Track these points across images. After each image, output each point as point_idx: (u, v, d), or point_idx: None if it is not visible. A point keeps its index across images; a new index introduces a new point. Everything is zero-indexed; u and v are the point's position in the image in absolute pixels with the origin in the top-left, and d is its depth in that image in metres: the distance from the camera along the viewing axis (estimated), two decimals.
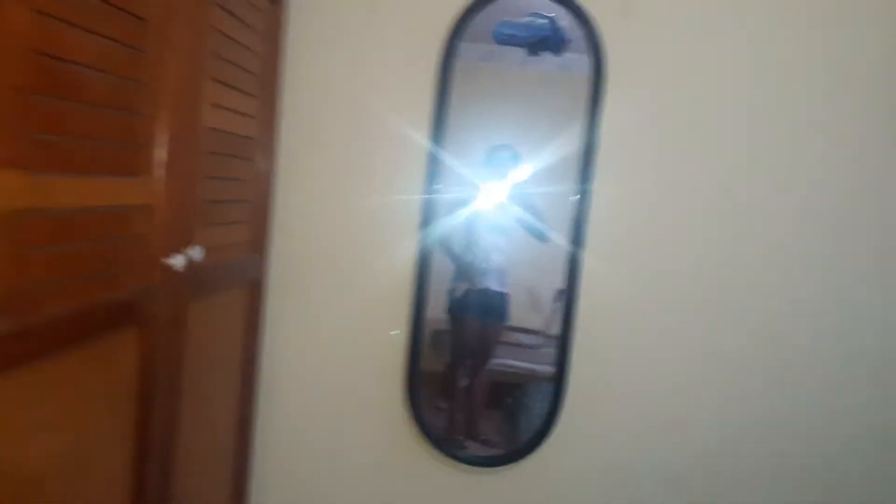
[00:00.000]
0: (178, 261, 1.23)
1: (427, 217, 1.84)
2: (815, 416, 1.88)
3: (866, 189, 1.82)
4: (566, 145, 1.82)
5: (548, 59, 1.87)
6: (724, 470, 1.91)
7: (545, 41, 1.85)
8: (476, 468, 1.94)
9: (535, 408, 1.95)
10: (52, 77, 0.92)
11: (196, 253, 1.30)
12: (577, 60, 1.84)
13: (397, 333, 1.90)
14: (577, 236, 1.83)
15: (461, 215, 1.90)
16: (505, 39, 1.86)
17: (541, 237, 1.88)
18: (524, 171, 1.87)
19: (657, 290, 1.87)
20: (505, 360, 2.02)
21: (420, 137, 1.84)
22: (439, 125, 1.82)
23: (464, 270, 1.95)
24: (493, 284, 1.96)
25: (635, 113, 1.82)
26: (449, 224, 1.88)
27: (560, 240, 1.85)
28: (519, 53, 1.88)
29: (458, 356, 2.02)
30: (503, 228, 1.92)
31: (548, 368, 1.90)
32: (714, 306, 1.86)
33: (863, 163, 1.82)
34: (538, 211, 1.89)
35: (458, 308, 1.97)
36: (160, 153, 1.20)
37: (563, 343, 1.87)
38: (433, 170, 1.83)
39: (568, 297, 1.86)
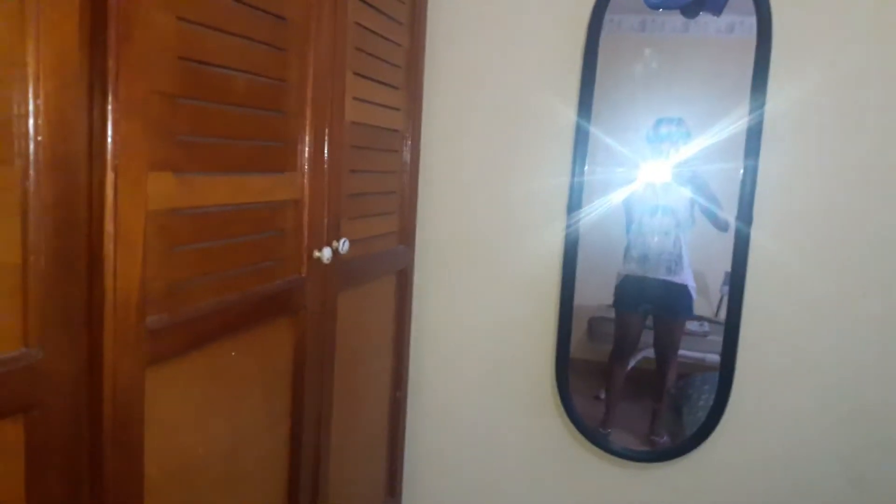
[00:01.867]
0: (325, 253, 1.26)
1: (575, 200, 1.77)
2: None
3: None
4: (736, 118, 1.66)
5: (708, 21, 1.72)
6: None
7: (701, 0, 1.69)
8: (637, 463, 1.84)
9: (701, 399, 1.82)
10: (197, 81, 0.96)
11: (343, 245, 1.33)
12: (740, 22, 1.67)
13: None
14: (745, 215, 1.67)
15: (618, 197, 1.79)
16: (657, 3, 1.73)
17: (720, 225, 1.72)
18: (691, 146, 1.72)
19: (831, 270, 1.68)
20: None
21: (568, 117, 1.77)
22: (587, 103, 1.74)
23: (626, 257, 1.84)
24: (666, 273, 1.82)
25: (805, 80, 1.63)
26: (601, 207, 1.79)
27: (734, 222, 1.69)
28: (676, 18, 1.74)
29: (620, 346, 1.91)
30: (673, 210, 1.79)
31: (716, 357, 1.76)
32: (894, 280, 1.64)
33: None
34: (711, 193, 1.73)
35: (620, 296, 1.87)
36: (306, 149, 1.23)
37: (731, 329, 1.72)
38: (581, 151, 1.75)
39: (736, 280, 1.70)
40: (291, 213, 1.21)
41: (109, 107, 0.80)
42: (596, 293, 1.87)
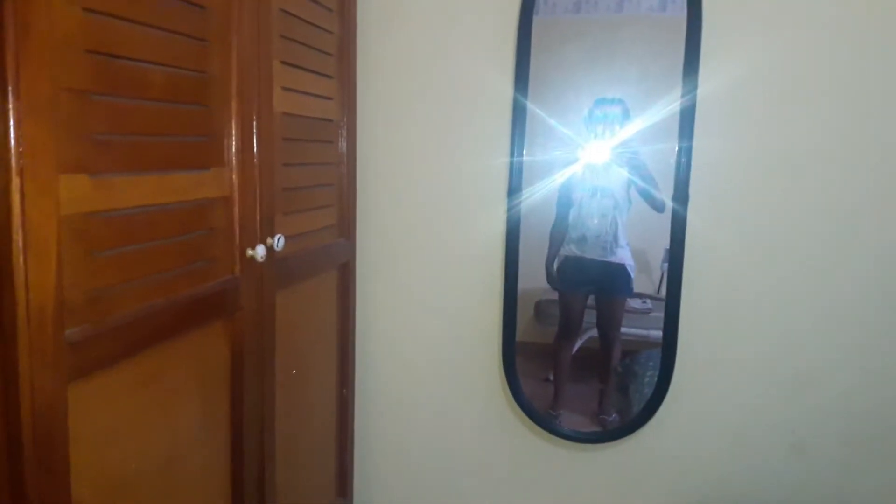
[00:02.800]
0: (259, 251, 1.22)
1: (515, 182, 1.76)
2: None
3: None
4: (670, 98, 1.66)
5: None
6: (860, 433, 1.73)
7: None
8: (586, 444, 1.86)
9: (647, 376, 1.84)
10: (110, 75, 0.90)
11: (278, 242, 1.29)
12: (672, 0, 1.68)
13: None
14: (681, 194, 1.68)
15: (558, 179, 1.79)
16: None
17: (657, 206, 1.74)
18: (630, 127, 1.73)
19: (765, 246, 1.71)
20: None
21: (504, 99, 1.76)
22: (523, 85, 1.72)
23: (565, 238, 1.84)
24: (604, 253, 1.83)
25: (737, 59, 1.65)
26: (542, 189, 1.78)
27: (669, 201, 1.71)
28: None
29: (564, 328, 1.92)
30: (610, 192, 1.79)
31: (659, 333, 1.78)
32: (828, 255, 1.69)
33: None
34: (648, 173, 1.74)
35: (562, 278, 1.88)
36: (233, 143, 1.18)
37: (672, 305, 1.74)
38: (520, 132, 1.74)
39: (674, 256, 1.72)
40: (221, 210, 1.16)
41: (10, 106, 0.74)
42: (541, 276, 1.87)
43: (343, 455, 1.83)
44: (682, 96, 1.65)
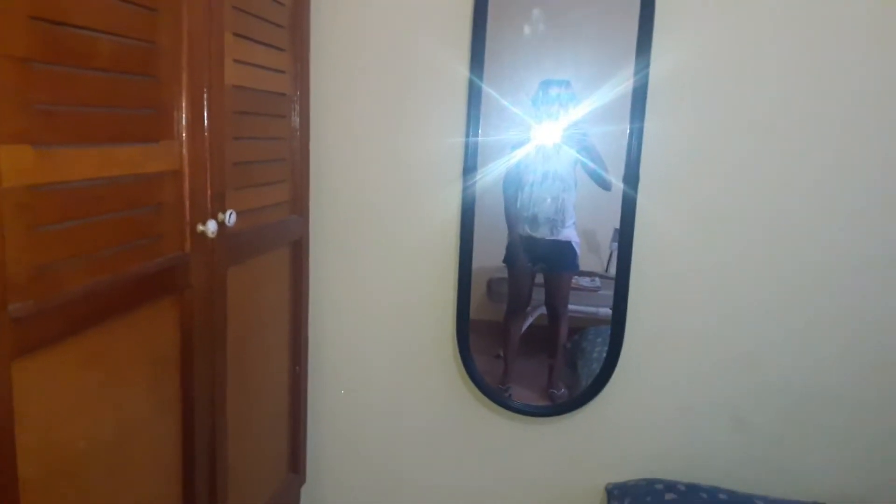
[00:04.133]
0: (210, 227, 1.20)
1: (470, 161, 1.77)
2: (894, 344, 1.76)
3: None
4: (622, 80, 1.69)
5: None
6: (797, 407, 1.81)
7: None
8: (536, 418, 1.89)
9: (595, 352, 1.88)
10: (54, 43, 0.87)
11: (229, 217, 1.27)
12: None
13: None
14: (631, 175, 1.72)
15: (510, 159, 1.80)
16: None
17: (605, 185, 1.77)
18: (579, 108, 1.75)
19: (712, 226, 1.76)
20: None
21: (460, 78, 1.75)
22: (478, 64, 1.72)
23: (517, 217, 1.86)
24: (551, 232, 1.85)
25: (689, 41, 1.68)
26: (497, 168, 1.79)
27: (618, 182, 1.74)
28: None
29: (513, 305, 1.95)
30: (558, 173, 1.82)
31: (608, 311, 1.82)
32: (775, 240, 1.75)
33: None
34: (596, 154, 1.77)
35: (511, 256, 1.90)
36: (182, 116, 1.15)
37: (621, 284, 1.78)
38: (475, 112, 1.74)
39: (624, 236, 1.76)
40: (170, 185, 1.14)
41: None
42: (494, 254, 1.89)
43: (296, 431, 1.83)
44: (634, 77, 1.67)
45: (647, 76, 1.67)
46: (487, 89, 1.73)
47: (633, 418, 1.87)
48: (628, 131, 1.70)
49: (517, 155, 1.80)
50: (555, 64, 1.77)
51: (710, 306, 1.80)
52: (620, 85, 1.69)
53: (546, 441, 1.92)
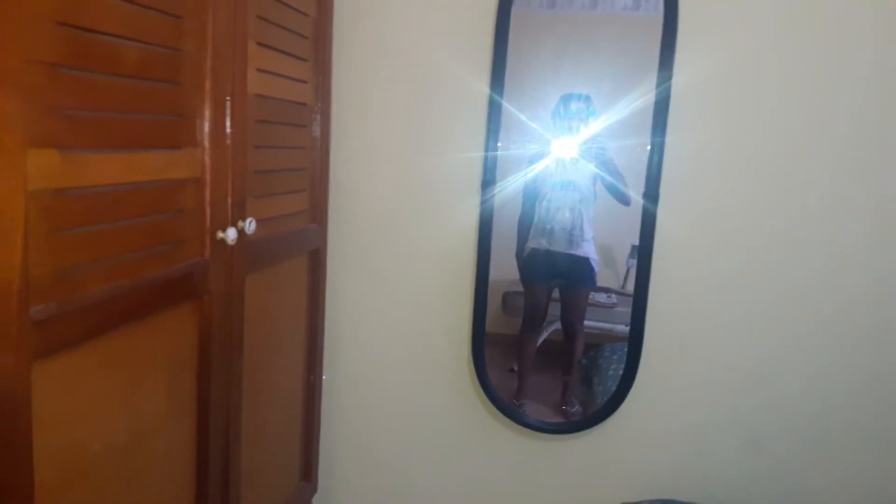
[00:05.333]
0: (230, 234, 1.20)
1: (489, 175, 1.77)
2: None
3: None
4: (641, 94, 1.68)
5: None
6: (812, 431, 1.78)
7: None
8: (550, 434, 1.88)
9: (611, 369, 1.87)
10: (81, 49, 0.88)
11: (249, 225, 1.27)
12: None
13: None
14: (652, 190, 1.71)
15: (529, 172, 1.80)
16: None
17: (624, 200, 1.76)
18: (598, 122, 1.75)
19: (734, 245, 1.75)
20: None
21: (480, 93, 1.76)
22: (499, 78, 1.73)
23: (533, 231, 1.86)
24: (569, 246, 1.85)
25: (710, 57, 1.68)
26: (515, 182, 1.79)
27: (638, 197, 1.73)
28: None
29: (529, 319, 1.94)
30: (577, 186, 1.81)
31: (624, 328, 1.81)
32: (794, 258, 1.73)
33: None
34: (615, 169, 1.77)
35: (528, 270, 1.89)
36: (206, 124, 1.16)
37: (639, 301, 1.77)
38: (494, 126, 1.75)
39: (643, 252, 1.75)
40: (191, 191, 1.15)
41: None
42: (510, 267, 1.89)
43: (309, 440, 1.82)
44: (656, 91, 1.67)
45: (668, 90, 1.67)
46: (507, 105, 1.73)
47: (648, 437, 1.85)
48: (649, 146, 1.70)
49: (535, 168, 1.80)
50: (574, 78, 1.77)
51: (728, 324, 1.78)
52: (640, 99, 1.69)
53: (560, 458, 1.90)
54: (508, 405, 1.88)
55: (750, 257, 1.75)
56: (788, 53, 1.67)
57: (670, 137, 1.69)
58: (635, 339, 1.79)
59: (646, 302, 1.77)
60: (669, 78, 1.66)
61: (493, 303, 1.88)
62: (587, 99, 1.76)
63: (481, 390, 1.86)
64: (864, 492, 1.79)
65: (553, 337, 1.94)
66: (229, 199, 1.24)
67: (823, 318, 1.74)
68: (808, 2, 1.64)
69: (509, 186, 1.79)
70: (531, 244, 1.87)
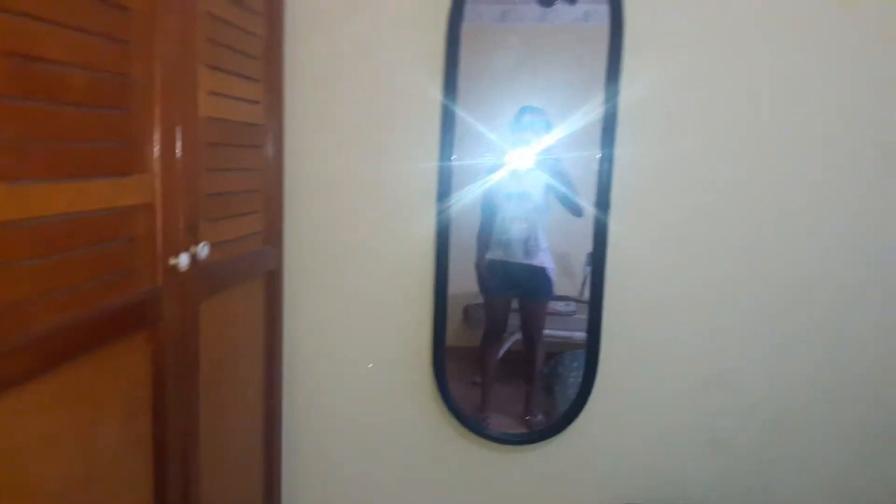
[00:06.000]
0: (182, 260, 1.19)
1: (444, 187, 1.78)
2: (873, 365, 1.79)
3: None
4: (592, 106, 1.72)
5: (564, 9, 1.77)
6: (773, 429, 1.84)
7: None
8: (513, 446, 1.89)
9: (571, 377, 1.89)
10: (25, 78, 0.86)
11: (202, 250, 1.26)
12: (594, 10, 1.73)
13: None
14: (602, 200, 1.74)
15: (483, 184, 1.82)
16: None
17: (576, 211, 1.79)
18: (552, 134, 1.77)
19: (684, 249, 1.79)
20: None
21: (433, 105, 1.76)
22: (451, 90, 1.74)
23: (492, 242, 1.87)
24: (525, 257, 1.87)
25: (657, 68, 1.72)
26: (471, 193, 1.81)
27: (590, 207, 1.76)
28: (535, 7, 1.78)
29: (490, 331, 1.95)
30: (531, 196, 1.84)
31: (583, 335, 1.83)
32: (742, 258, 1.79)
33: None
34: (569, 179, 1.80)
35: (487, 281, 1.91)
36: (155, 149, 1.15)
37: (595, 308, 1.80)
38: (448, 138, 1.76)
39: (596, 260, 1.78)
40: (142, 218, 1.13)
41: None
42: (470, 280, 1.90)
43: (271, 465, 1.79)
44: (605, 105, 1.70)
45: (616, 104, 1.70)
46: (461, 113, 1.75)
47: (610, 443, 1.88)
48: (599, 157, 1.73)
49: (491, 179, 1.82)
50: (529, 90, 1.80)
51: (683, 328, 1.82)
52: (591, 112, 1.72)
53: (524, 469, 1.91)
54: (471, 418, 1.88)
55: (702, 262, 1.79)
56: (733, 64, 1.72)
57: (619, 148, 1.72)
58: (592, 347, 1.82)
59: (601, 309, 1.79)
60: (616, 91, 1.70)
61: (455, 316, 1.88)
62: (541, 111, 1.78)
63: (443, 404, 1.86)
64: (828, 488, 1.85)
65: (515, 347, 1.96)
66: (181, 224, 1.22)
67: (780, 317, 1.79)
68: (752, 12, 1.70)
69: (465, 198, 1.80)
70: (490, 255, 1.89)
